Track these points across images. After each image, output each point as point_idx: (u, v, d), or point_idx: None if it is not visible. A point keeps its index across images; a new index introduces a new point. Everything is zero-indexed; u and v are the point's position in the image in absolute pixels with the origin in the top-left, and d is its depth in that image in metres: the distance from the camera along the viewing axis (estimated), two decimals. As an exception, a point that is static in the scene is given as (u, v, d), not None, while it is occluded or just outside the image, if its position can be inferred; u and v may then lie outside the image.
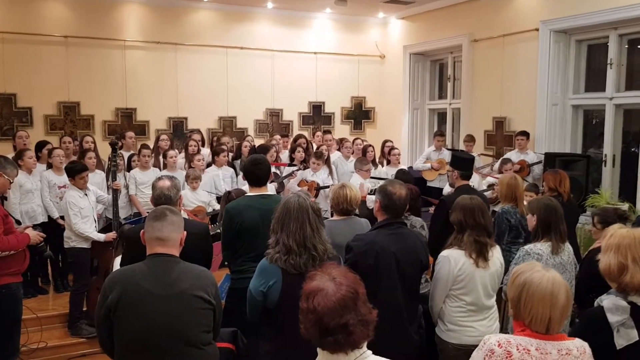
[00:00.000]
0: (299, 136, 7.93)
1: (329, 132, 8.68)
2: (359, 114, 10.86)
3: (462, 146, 8.72)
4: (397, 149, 7.66)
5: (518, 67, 8.06)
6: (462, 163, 4.39)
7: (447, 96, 9.80)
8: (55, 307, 5.67)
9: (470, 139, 8.22)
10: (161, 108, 9.22)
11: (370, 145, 7.69)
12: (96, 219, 5.50)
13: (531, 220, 3.51)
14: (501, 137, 8.36)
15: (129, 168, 6.82)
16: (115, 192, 5.49)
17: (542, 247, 3.39)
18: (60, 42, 8.51)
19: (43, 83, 8.42)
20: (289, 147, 7.94)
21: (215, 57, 9.51)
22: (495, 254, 3.25)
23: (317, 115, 10.49)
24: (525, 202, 4.58)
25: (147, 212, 6.64)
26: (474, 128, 8.69)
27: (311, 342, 1.76)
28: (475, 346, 3.13)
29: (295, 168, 7.10)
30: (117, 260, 4.31)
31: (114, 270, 4.48)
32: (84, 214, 5.21)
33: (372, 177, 6.72)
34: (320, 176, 6.98)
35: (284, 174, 7.10)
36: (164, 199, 3.29)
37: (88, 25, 8.65)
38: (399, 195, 3.07)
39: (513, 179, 4.73)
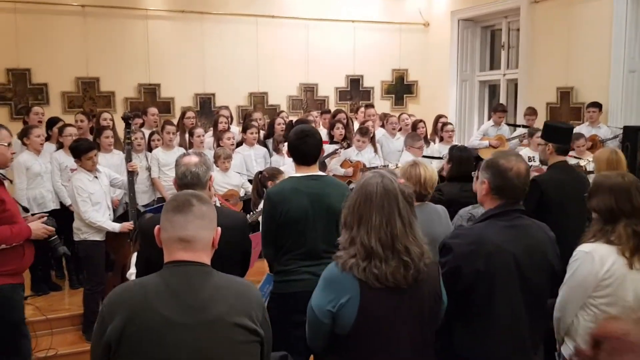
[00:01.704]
0: (338, 111, 7.08)
1: (372, 106, 7.80)
2: (401, 88, 9.92)
3: (520, 120, 7.80)
4: (451, 124, 6.74)
5: (588, 30, 7.05)
6: (559, 134, 3.49)
7: (500, 66, 8.83)
8: (69, 307, 4.96)
9: (532, 112, 7.29)
10: (187, 83, 8.45)
11: (420, 121, 6.82)
12: (110, 206, 4.76)
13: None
14: (567, 110, 7.39)
15: (150, 148, 6.07)
16: (132, 175, 4.74)
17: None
18: (78, 11, 7.78)
19: (59, 57, 7.71)
20: (327, 124, 7.09)
21: (244, 27, 8.67)
22: None
23: (355, 90, 9.61)
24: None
25: (172, 198, 5.98)
26: (534, 100, 7.74)
27: None
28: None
29: (337, 146, 6.25)
30: (135, 257, 3.57)
31: (131, 267, 3.77)
32: (94, 200, 4.48)
33: (424, 156, 5.86)
34: (366, 155, 6.12)
35: (325, 153, 6.26)
36: (191, 178, 2.51)
37: (107, -7, 7.92)
38: (517, 171, 2.20)
39: (614, 153, 3.85)
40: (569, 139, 3.66)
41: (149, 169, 5.79)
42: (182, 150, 6.11)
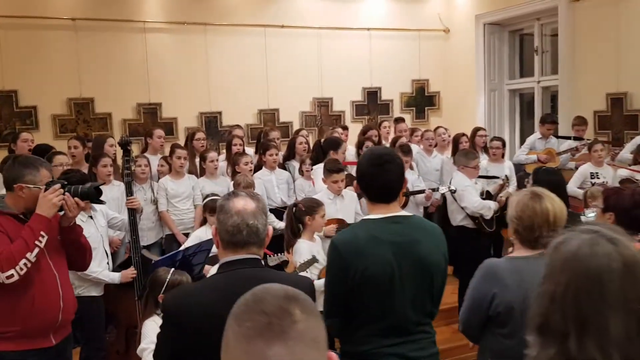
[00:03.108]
0: (368, 127, 6.31)
1: (402, 120, 6.99)
2: (422, 100, 9.13)
3: (563, 131, 7.01)
4: (500, 139, 5.85)
5: (641, 28, 6.32)
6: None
7: (533, 73, 8.06)
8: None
9: (582, 121, 6.52)
10: (190, 102, 7.66)
11: (463, 135, 6.01)
12: (108, 251, 3.90)
13: None
14: (619, 118, 6.62)
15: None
16: (134, 214, 3.86)
17: None
18: (68, 25, 6.99)
19: (49, 76, 6.90)
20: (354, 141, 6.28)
21: (252, 38, 7.91)
22: None
23: (372, 104, 8.81)
24: None
25: (184, 235, 5.13)
26: (578, 109, 6.96)
27: None
28: None
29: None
30: (149, 328, 2.72)
31: (142, 340, 2.90)
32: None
33: (480, 177, 5.03)
34: (408, 177, 5.29)
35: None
36: (247, 234, 1.66)
37: (100, 5, 7.12)
38: None
39: None
40: None
41: (155, 201, 4.95)
42: (193, 178, 5.27)
